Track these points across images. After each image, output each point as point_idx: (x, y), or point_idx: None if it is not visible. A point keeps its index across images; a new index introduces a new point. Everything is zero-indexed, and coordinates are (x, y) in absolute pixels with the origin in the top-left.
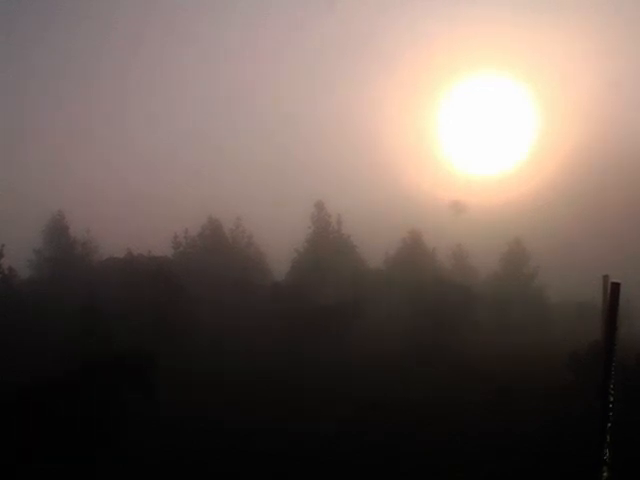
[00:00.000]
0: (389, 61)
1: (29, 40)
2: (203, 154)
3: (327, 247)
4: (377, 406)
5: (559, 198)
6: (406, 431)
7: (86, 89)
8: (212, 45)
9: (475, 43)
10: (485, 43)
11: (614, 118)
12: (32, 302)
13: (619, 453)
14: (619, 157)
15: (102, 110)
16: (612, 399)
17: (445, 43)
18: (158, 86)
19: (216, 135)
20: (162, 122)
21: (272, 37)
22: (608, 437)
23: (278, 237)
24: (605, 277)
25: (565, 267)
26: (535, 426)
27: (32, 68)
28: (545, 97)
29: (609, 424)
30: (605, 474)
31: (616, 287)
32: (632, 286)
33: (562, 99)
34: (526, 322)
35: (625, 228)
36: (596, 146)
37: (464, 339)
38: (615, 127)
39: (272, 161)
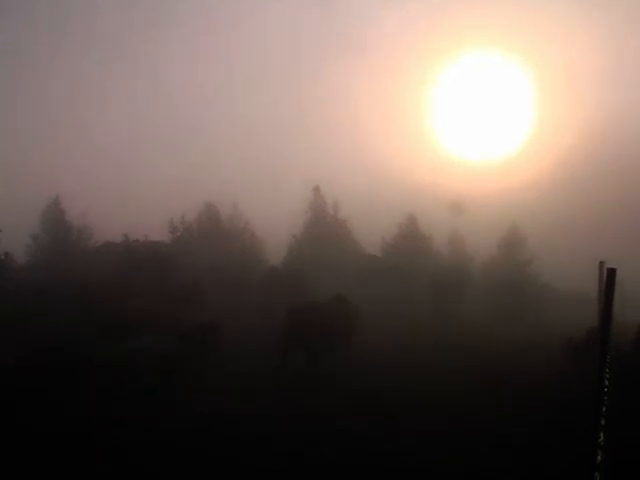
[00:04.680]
0: (385, 45)
1: (20, 29)
2: (199, 139)
3: (325, 232)
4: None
5: (558, 185)
6: (405, 422)
7: (81, 75)
8: (208, 32)
9: (473, 26)
10: (483, 26)
11: (617, 107)
12: (29, 287)
13: (614, 437)
14: (620, 148)
15: (98, 96)
16: (607, 384)
17: (442, 27)
18: (154, 72)
19: (212, 120)
20: (158, 108)
21: (268, 24)
22: (603, 421)
23: (274, 223)
24: (601, 263)
25: (562, 254)
26: (533, 411)
27: (25, 54)
28: (547, 85)
29: (604, 408)
30: (599, 457)
31: (612, 273)
32: (627, 272)
33: (564, 87)
34: (523, 308)
35: (622, 215)
36: (597, 135)
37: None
38: (617, 116)
39: (269, 147)
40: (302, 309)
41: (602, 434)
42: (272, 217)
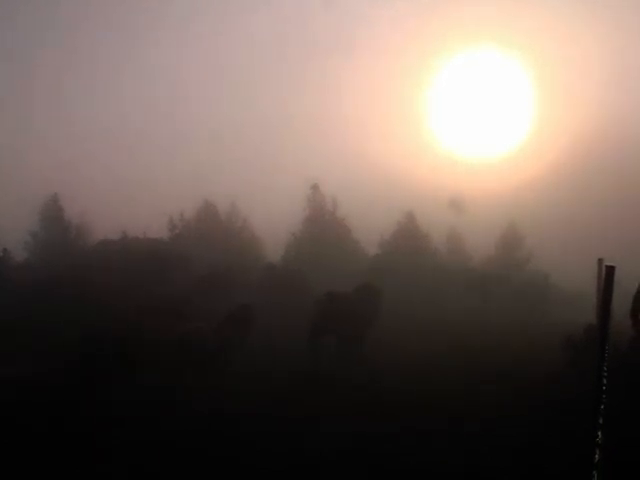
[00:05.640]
0: (383, 43)
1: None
2: (198, 137)
3: (324, 231)
4: (376, 397)
5: (558, 185)
6: (405, 422)
7: (78, 70)
8: (207, 30)
9: (473, 24)
10: (483, 24)
11: (618, 106)
12: (28, 285)
13: (611, 435)
14: (621, 147)
15: (96, 93)
16: (605, 381)
17: (440, 24)
18: (153, 69)
19: (211, 119)
20: (158, 106)
21: (262, 22)
22: (601, 419)
23: (273, 221)
24: (600, 261)
25: (562, 253)
26: (533, 411)
27: (19, 53)
28: (546, 84)
29: (602, 407)
30: (597, 455)
31: (611, 270)
32: (626, 271)
33: (564, 86)
34: (523, 306)
35: (622, 214)
36: (598, 135)
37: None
38: (618, 116)
39: (267, 144)
40: (330, 299)
41: (600, 433)
42: (270, 215)
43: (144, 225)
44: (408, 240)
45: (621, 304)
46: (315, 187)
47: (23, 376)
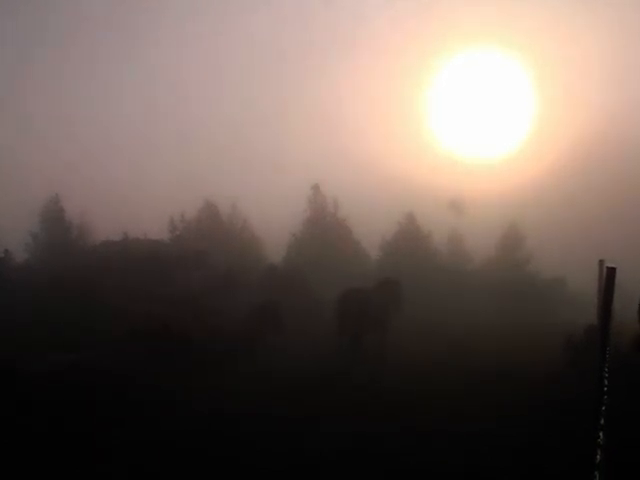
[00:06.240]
0: (384, 40)
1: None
2: (199, 137)
3: (325, 231)
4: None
5: (558, 185)
6: (405, 422)
7: (79, 71)
8: (207, 30)
9: (472, 23)
10: (483, 23)
11: (619, 106)
12: (29, 286)
13: (613, 437)
14: (622, 148)
15: (96, 93)
16: (606, 383)
17: (439, 24)
18: (153, 69)
19: (212, 119)
20: (157, 106)
21: (262, 22)
22: (602, 420)
23: (274, 222)
24: (601, 262)
25: (563, 254)
26: (533, 411)
27: (19, 53)
28: (547, 84)
29: (603, 408)
30: (599, 456)
31: (612, 272)
32: (627, 272)
33: (564, 86)
34: (520, 306)
35: (623, 215)
36: (599, 135)
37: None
38: (619, 116)
39: (267, 145)
40: (354, 295)
41: (601, 434)
42: (271, 216)
43: (145, 226)
44: (409, 241)
45: (622, 305)
46: (316, 188)
47: (23, 376)
